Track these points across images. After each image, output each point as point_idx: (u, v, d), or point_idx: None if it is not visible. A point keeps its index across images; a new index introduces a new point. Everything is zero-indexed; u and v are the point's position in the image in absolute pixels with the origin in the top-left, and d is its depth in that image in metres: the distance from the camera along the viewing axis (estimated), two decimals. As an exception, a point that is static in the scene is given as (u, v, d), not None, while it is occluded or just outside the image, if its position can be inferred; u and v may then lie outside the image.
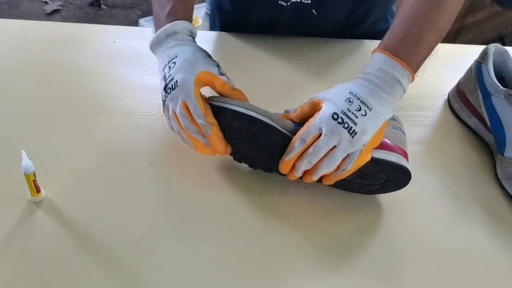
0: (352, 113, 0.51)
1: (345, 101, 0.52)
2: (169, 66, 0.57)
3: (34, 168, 0.53)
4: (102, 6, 2.59)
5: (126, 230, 0.54)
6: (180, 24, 0.60)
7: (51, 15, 2.49)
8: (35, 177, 0.53)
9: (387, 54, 0.53)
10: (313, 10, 0.81)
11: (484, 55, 0.69)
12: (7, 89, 0.71)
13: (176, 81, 0.56)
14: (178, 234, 0.54)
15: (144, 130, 0.66)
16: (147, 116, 0.68)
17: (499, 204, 0.61)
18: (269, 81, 0.76)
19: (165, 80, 0.57)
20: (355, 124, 0.51)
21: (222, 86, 0.57)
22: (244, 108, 0.55)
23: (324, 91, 0.55)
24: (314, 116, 0.53)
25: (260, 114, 0.55)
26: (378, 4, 0.87)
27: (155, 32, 0.61)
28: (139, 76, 0.75)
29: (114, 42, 0.83)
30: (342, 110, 0.51)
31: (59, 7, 2.53)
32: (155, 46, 0.61)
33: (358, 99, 0.52)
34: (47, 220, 0.54)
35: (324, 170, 0.52)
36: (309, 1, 0.79)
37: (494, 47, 0.69)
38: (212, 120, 0.55)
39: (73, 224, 0.54)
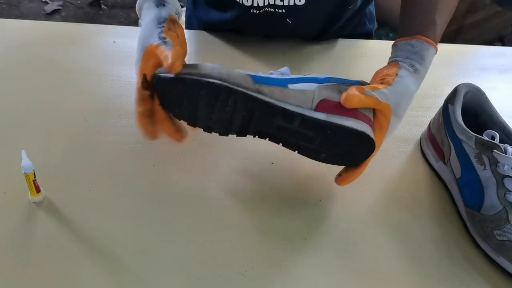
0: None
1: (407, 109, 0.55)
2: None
3: (34, 168, 0.53)
4: (102, 6, 2.59)
5: (126, 230, 0.54)
6: None
7: (51, 15, 2.49)
8: (35, 177, 0.53)
9: (423, 40, 0.56)
10: (288, 20, 0.79)
11: (453, 95, 0.63)
12: (7, 89, 0.71)
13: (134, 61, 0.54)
14: (178, 234, 0.54)
15: (144, 130, 0.66)
16: (147, 116, 0.68)
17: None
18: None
19: None
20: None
21: (163, 58, 0.50)
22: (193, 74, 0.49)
23: (393, 97, 0.52)
24: (384, 127, 0.54)
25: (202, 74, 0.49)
26: (355, 12, 0.86)
27: None
28: (139, 76, 0.75)
29: (114, 42, 0.83)
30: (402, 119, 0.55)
31: (59, 7, 2.54)
32: (138, 11, 0.60)
33: (412, 98, 0.55)
34: (47, 220, 0.54)
35: None
36: (283, 10, 0.77)
37: (465, 86, 0.63)
38: (141, 107, 0.51)
39: (73, 224, 0.54)
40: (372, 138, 0.51)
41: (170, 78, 0.49)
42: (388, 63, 0.58)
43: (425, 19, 0.59)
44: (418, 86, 0.56)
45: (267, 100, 0.50)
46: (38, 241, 0.52)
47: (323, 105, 0.51)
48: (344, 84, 0.53)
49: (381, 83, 0.53)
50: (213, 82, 0.49)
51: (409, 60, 0.56)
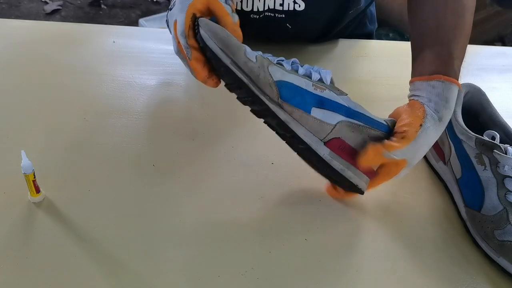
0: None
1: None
2: None
3: (33, 168, 0.53)
4: (102, 6, 2.59)
5: (126, 231, 0.54)
6: None
7: (51, 15, 2.49)
8: (34, 177, 0.53)
9: (446, 80, 0.53)
10: (287, 24, 0.78)
11: None
12: (7, 89, 0.71)
13: (175, 1, 0.54)
14: (178, 234, 0.54)
15: (143, 130, 0.66)
16: (147, 116, 0.68)
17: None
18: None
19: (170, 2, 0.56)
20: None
21: (222, 16, 0.53)
22: (215, 42, 0.49)
23: (411, 152, 0.52)
24: (392, 174, 0.54)
25: (234, 62, 0.49)
26: (357, 16, 0.86)
27: None
28: (139, 76, 0.75)
29: (114, 42, 0.83)
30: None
31: (59, 7, 2.53)
32: None
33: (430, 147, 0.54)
34: (46, 220, 0.54)
35: None
36: (283, 15, 0.77)
37: (465, 87, 0.63)
38: (193, 43, 0.52)
39: (73, 224, 0.54)
40: (363, 191, 0.54)
41: (208, 47, 0.49)
42: (410, 100, 0.55)
43: (441, 53, 0.55)
44: (440, 133, 0.54)
45: (282, 119, 0.50)
46: (38, 241, 0.52)
47: (334, 143, 0.51)
48: (370, 127, 0.52)
49: (402, 137, 0.51)
50: (240, 79, 0.49)
51: (433, 104, 0.53)
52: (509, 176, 0.54)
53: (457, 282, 0.52)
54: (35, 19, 2.40)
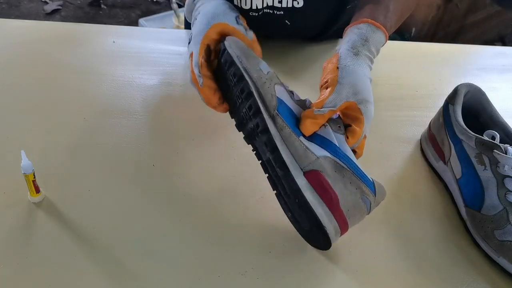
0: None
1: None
2: (192, 24, 0.60)
3: (33, 168, 0.53)
4: (102, 6, 2.59)
5: (126, 230, 0.54)
6: None
7: (51, 15, 2.49)
8: (34, 177, 0.53)
9: (372, 23, 0.58)
10: (286, 21, 0.79)
11: (453, 95, 0.63)
12: (7, 89, 0.71)
13: (191, 35, 0.58)
14: (178, 234, 0.54)
15: (143, 130, 0.66)
16: (147, 116, 0.68)
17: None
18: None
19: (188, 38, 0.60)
20: None
21: (238, 37, 0.56)
22: (238, 57, 0.52)
23: (345, 92, 0.52)
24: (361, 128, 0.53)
25: (251, 75, 0.51)
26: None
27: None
28: (138, 76, 0.75)
29: (114, 42, 0.83)
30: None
31: (59, 7, 2.53)
32: (187, 14, 0.64)
33: (367, 78, 0.55)
34: (46, 220, 0.54)
35: None
36: (282, 12, 0.77)
37: (466, 86, 0.63)
38: (205, 72, 0.55)
39: (73, 224, 0.54)
40: (329, 240, 0.49)
41: (226, 52, 0.53)
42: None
43: (377, 6, 0.60)
44: (367, 65, 0.56)
45: (271, 130, 0.50)
46: (38, 241, 0.52)
47: (313, 175, 0.49)
48: (354, 174, 0.50)
49: (326, 87, 0.53)
50: (245, 80, 0.51)
51: (350, 43, 0.56)
52: (509, 176, 0.54)
53: (457, 282, 0.52)
54: (35, 19, 2.40)
